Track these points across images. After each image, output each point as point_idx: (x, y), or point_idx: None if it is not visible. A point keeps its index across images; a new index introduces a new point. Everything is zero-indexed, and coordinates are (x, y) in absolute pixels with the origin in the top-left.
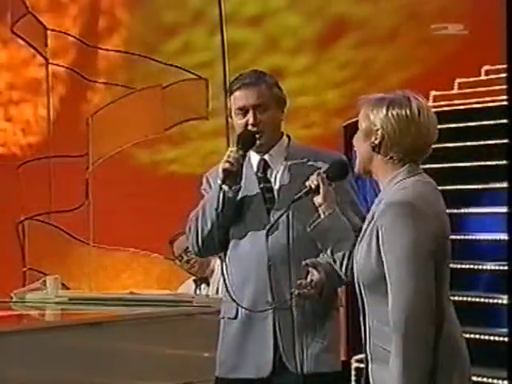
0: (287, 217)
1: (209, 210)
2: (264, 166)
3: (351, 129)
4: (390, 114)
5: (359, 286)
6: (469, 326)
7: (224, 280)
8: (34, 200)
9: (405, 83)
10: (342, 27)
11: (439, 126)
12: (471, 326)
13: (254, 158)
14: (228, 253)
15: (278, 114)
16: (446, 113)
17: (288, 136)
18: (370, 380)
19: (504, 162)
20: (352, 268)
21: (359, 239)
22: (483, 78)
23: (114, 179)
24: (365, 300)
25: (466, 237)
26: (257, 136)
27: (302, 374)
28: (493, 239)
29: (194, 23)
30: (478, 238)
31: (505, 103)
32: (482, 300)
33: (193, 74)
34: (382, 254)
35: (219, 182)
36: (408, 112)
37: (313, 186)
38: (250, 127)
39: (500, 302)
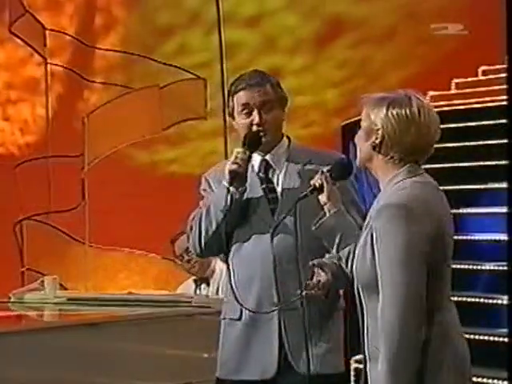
0: (294, 216)
1: (214, 210)
2: (265, 167)
3: (349, 129)
4: (390, 114)
5: (357, 286)
6: (468, 326)
7: (230, 281)
8: (32, 200)
9: (403, 82)
10: (339, 26)
11: None
12: (471, 326)
13: (255, 158)
14: (232, 254)
15: (281, 113)
16: (445, 113)
17: (288, 137)
18: (368, 380)
19: (504, 162)
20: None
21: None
22: (481, 78)
23: (112, 179)
24: (362, 300)
25: (466, 237)
26: (261, 136)
27: (309, 375)
28: (492, 239)
29: (190, 24)
30: (477, 238)
31: (504, 103)
32: (482, 300)
33: (191, 73)
34: (376, 255)
35: (225, 183)
36: (408, 112)
37: (317, 185)
38: (254, 127)
39: (500, 302)
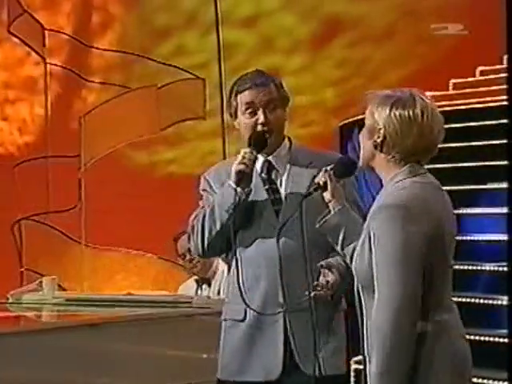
0: (300, 216)
1: (218, 211)
2: (268, 168)
3: (347, 129)
4: (392, 115)
5: (357, 285)
6: (468, 327)
7: (238, 282)
8: (30, 200)
9: (402, 82)
10: (337, 26)
11: None
12: (471, 327)
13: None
14: (237, 254)
15: (283, 113)
16: (446, 113)
17: (289, 138)
18: (368, 381)
19: (504, 162)
20: None
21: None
22: (479, 78)
23: (111, 179)
24: (362, 300)
25: (466, 237)
26: (267, 137)
27: (317, 376)
28: (492, 240)
29: (187, 25)
30: (477, 238)
31: (504, 103)
32: (482, 301)
33: (190, 73)
34: (373, 254)
35: (232, 183)
36: (411, 113)
37: (321, 183)
38: (259, 127)
39: (500, 303)
